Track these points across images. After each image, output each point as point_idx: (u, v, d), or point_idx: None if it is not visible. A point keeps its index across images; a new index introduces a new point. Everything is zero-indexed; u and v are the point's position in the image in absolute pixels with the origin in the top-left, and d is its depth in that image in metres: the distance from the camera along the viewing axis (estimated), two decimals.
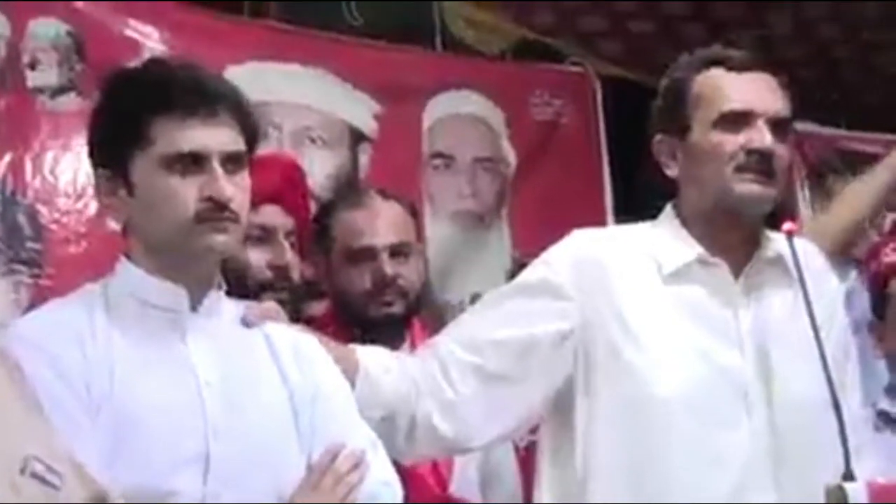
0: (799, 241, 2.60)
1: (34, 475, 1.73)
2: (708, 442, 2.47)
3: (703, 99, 2.58)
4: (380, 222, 3.12)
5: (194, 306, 2.26)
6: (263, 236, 2.85)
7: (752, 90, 2.58)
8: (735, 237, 2.59)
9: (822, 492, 2.24)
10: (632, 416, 2.48)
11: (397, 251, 3.10)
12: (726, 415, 2.49)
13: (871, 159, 5.74)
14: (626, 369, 2.50)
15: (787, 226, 2.58)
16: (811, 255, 2.67)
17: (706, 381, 2.49)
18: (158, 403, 2.17)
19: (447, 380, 2.55)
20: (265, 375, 2.30)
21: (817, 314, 2.47)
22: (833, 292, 2.71)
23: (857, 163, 5.74)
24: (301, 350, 2.37)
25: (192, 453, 2.16)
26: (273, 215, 2.87)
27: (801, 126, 5.67)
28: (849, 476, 2.26)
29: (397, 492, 2.35)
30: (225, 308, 2.33)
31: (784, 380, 2.53)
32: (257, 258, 2.83)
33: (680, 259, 2.56)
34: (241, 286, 2.76)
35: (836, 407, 2.35)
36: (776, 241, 2.61)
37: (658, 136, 2.63)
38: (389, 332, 3.07)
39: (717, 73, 2.60)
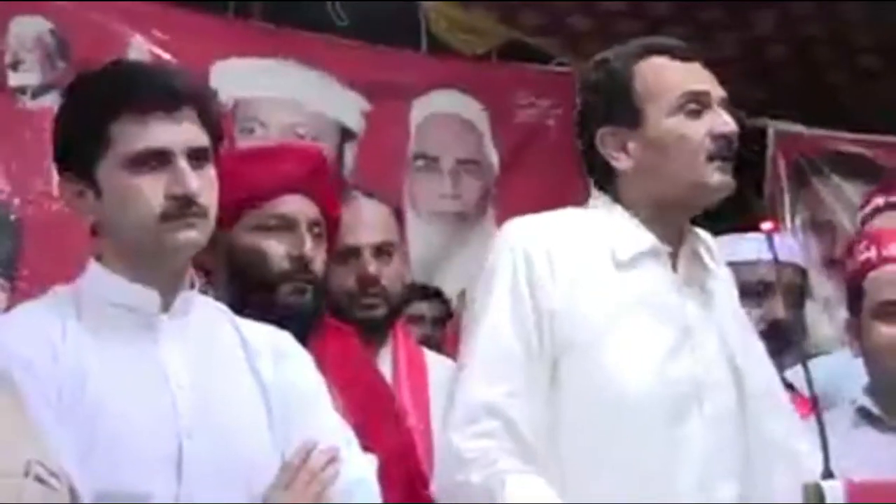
0: (708, 236, 2.61)
1: (37, 478, 1.77)
2: (669, 436, 2.46)
3: (654, 87, 2.54)
4: (364, 222, 3.10)
5: (166, 307, 2.25)
6: (284, 226, 2.80)
7: (700, 75, 2.55)
8: (677, 228, 2.57)
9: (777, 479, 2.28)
10: (595, 412, 2.46)
11: (381, 251, 3.09)
12: (683, 407, 2.47)
13: (856, 160, 5.79)
14: (585, 363, 2.47)
15: (766, 225, 2.57)
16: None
17: (665, 374, 2.47)
18: (130, 406, 2.16)
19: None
20: (239, 374, 2.30)
21: (727, 300, 2.57)
22: (729, 275, 2.71)
23: (842, 164, 5.77)
24: (276, 348, 2.36)
25: (165, 455, 2.16)
26: (294, 204, 2.82)
27: (784, 126, 5.71)
28: (827, 474, 2.26)
29: (373, 489, 2.35)
30: (198, 307, 2.32)
31: (744, 365, 2.54)
32: (276, 248, 2.79)
33: (635, 247, 2.52)
34: (261, 277, 2.76)
35: (816, 407, 2.35)
36: (696, 234, 2.60)
37: (604, 128, 2.55)
38: (372, 333, 3.06)
39: (662, 62, 2.56)
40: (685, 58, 2.56)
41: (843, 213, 5.67)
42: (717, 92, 2.55)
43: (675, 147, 2.51)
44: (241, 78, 4.62)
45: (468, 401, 2.45)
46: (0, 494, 1.70)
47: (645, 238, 2.52)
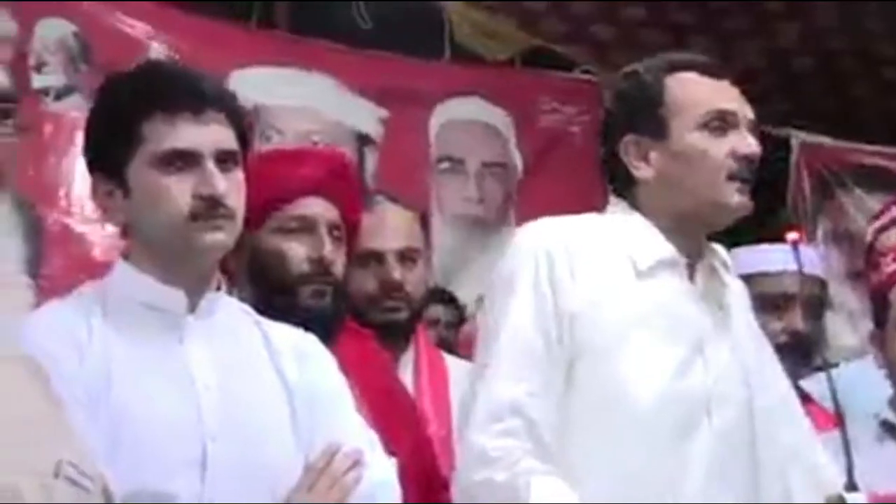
0: (723, 250, 2.61)
1: (68, 479, 1.74)
2: (676, 448, 2.45)
3: (682, 100, 2.54)
4: (388, 227, 3.09)
5: (192, 308, 2.25)
6: (303, 228, 2.80)
7: (730, 95, 2.56)
8: (695, 241, 2.57)
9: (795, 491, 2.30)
10: (605, 418, 2.46)
11: (405, 256, 3.08)
12: (691, 420, 2.47)
13: (879, 173, 5.77)
14: (600, 369, 2.46)
15: (792, 236, 2.57)
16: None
17: (676, 386, 2.47)
18: (156, 406, 2.16)
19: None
20: (263, 376, 2.30)
21: (743, 313, 2.57)
22: (743, 289, 2.71)
23: (866, 176, 5.75)
24: (300, 349, 2.36)
25: (190, 456, 2.15)
26: (314, 207, 2.81)
27: (808, 138, 5.69)
28: (851, 486, 2.25)
29: (395, 492, 2.34)
30: (223, 308, 2.32)
31: (758, 380, 2.53)
32: (296, 250, 2.78)
33: (654, 256, 2.52)
34: (281, 279, 2.76)
35: (840, 418, 2.34)
36: (713, 248, 2.60)
37: (628, 137, 2.56)
38: (393, 338, 3.05)
39: (692, 77, 2.57)
40: (716, 75, 2.57)
41: (866, 225, 5.65)
42: (745, 112, 2.55)
43: (696, 162, 2.52)
44: (259, 85, 4.64)
45: (492, 399, 2.45)
46: (29, 495, 1.66)
47: (665, 248, 2.53)
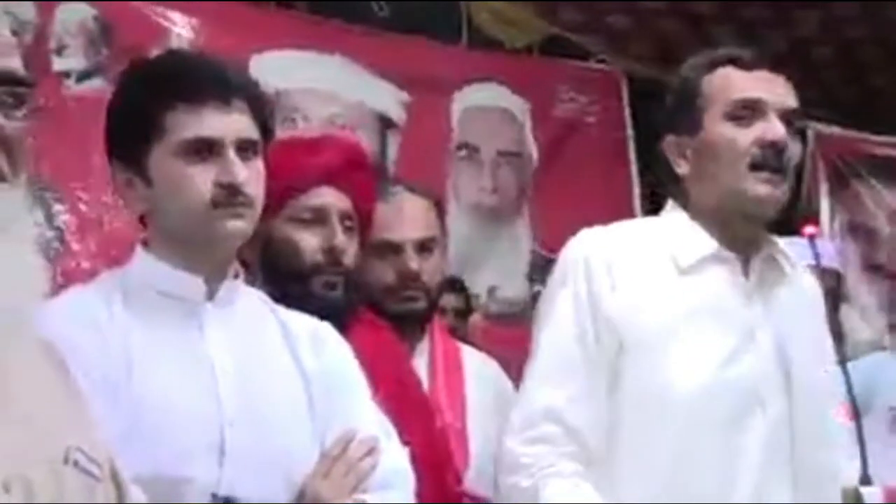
0: (790, 244, 2.61)
1: (77, 465, 1.72)
2: (728, 439, 2.47)
3: (712, 95, 2.57)
4: (406, 217, 3.08)
5: (211, 295, 2.27)
6: (315, 218, 2.79)
7: (762, 84, 2.56)
8: (742, 234, 2.58)
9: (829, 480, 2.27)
10: (654, 414, 2.47)
11: (423, 246, 3.08)
12: (744, 410, 2.49)
13: (895, 164, 5.75)
14: (646, 367, 2.49)
15: (809, 229, 2.57)
16: (796, 256, 2.68)
17: (725, 377, 2.49)
18: (174, 392, 2.18)
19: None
20: (280, 363, 2.31)
21: (806, 312, 2.55)
22: (820, 297, 2.71)
23: (881, 168, 5.74)
24: (318, 337, 2.37)
25: (208, 441, 2.17)
26: (326, 196, 2.81)
27: (824, 129, 5.68)
28: (865, 479, 2.26)
29: (409, 480, 2.36)
30: (241, 296, 2.34)
31: (800, 374, 2.53)
32: (308, 241, 2.77)
33: (697, 253, 2.55)
34: (293, 269, 2.76)
35: (856, 412, 2.35)
36: (773, 241, 2.61)
37: (669, 136, 2.61)
38: (410, 328, 3.06)
39: (726, 71, 2.59)
40: (751, 66, 2.58)
41: (883, 217, 5.64)
42: (778, 101, 2.55)
43: (722, 152, 2.54)
44: (280, 69, 4.63)
45: (527, 405, 2.51)
46: (39, 486, 1.64)
47: (707, 244, 2.55)
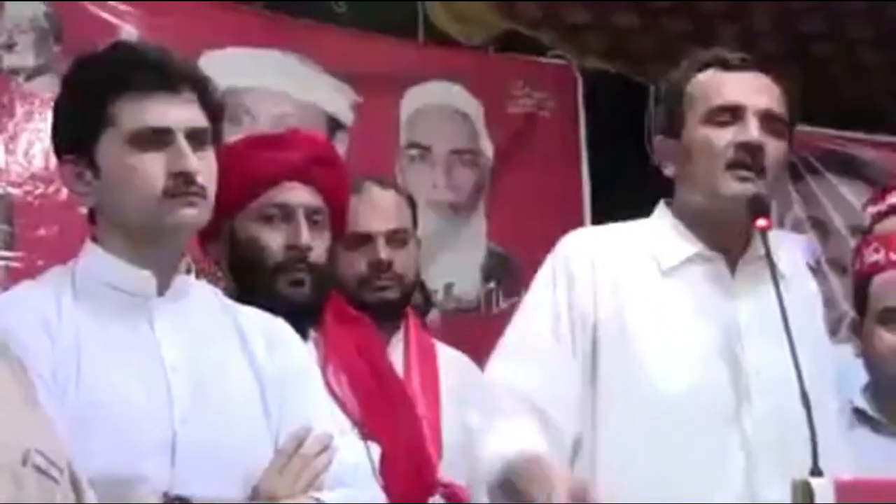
0: (784, 237, 2.63)
1: (35, 467, 1.71)
2: (713, 437, 2.49)
3: (694, 98, 2.61)
4: (377, 209, 3.12)
5: (161, 290, 2.25)
6: (281, 214, 2.79)
7: (742, 86, 2.59)
8: (728, 233, 2.60)
9: None
10: (636, 412, 2.49)
11: (394, 238, 3.11)
12: (729, 407, 2.51)
13: (851, 160, 5.77)
14: (629, 366, 2.51)
15: (760, 222, 2.58)
16: (795, 254, 2.72)
17: (709, 376, 2.52)
18: (124, 389, 2.16)
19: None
20: (234, 359, 2.30)
21: (799, 311, 2.52)
22: (814, 292, 2.74)
23: (836, 163, 5.76)
24: (270, 334, 2.36)
25: (160, 438, 2.15)
26: (292, 193, 2.80)
27: None
28: (816, 472, 2.26)
29: (367, 475, 2.37)
30: (194, 291, 2.32)
31: (785, 371, 2.54)
32: (274, 239, 2.77)
33: (679, 254, 2.59)
34: (259, 268, 2.75)
35: (805, 400, 2.36)
36: (767, 240, 2.60)
37: (658, 138, 2.67)
38: (384, 318, 3.07)
39: (712, 74, 2.62)
40: (737, 68, 2.61)
41: (836, 212, 5.66)
42: (755, 101, 2.57)
43: (699, 154, 2.58)
44: (230, 67, 4.60)
45: (490, 382, 2.53)
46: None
47: (690, 245, 2.59)
